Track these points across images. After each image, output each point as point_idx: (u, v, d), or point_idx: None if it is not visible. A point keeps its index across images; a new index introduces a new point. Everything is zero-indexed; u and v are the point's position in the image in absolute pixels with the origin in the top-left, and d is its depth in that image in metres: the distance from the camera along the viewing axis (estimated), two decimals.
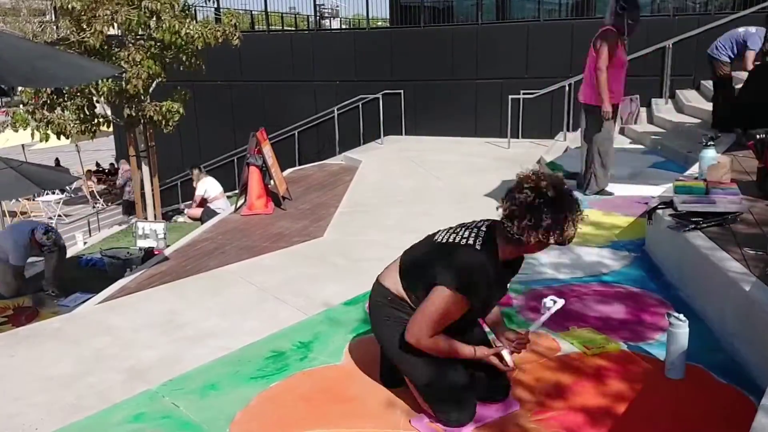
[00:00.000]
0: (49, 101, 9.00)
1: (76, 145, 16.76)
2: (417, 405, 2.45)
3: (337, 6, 26.90)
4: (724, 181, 4.24)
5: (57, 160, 17.11)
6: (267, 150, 7.71)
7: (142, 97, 9.15)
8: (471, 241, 2.29)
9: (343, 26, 22.04)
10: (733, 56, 6.98)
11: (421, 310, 2.28)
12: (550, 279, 3.82)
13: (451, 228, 2.44)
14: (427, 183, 8.15)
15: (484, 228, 2.34)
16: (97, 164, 18.56)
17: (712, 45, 7.24)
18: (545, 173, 2.28)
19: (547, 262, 4.09)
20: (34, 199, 15.11)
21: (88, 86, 8.85)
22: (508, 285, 2.54)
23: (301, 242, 5.74)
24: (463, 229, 2.38)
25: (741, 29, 7.01)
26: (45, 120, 8.89)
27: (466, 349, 2.34)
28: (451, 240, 2.34)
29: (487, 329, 2.64)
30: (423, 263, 2.38)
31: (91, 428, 2.55)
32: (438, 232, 2.47)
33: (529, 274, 3.84)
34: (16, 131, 9.60)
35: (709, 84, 9.57)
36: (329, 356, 3.01)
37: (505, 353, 2.36)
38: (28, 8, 26.37)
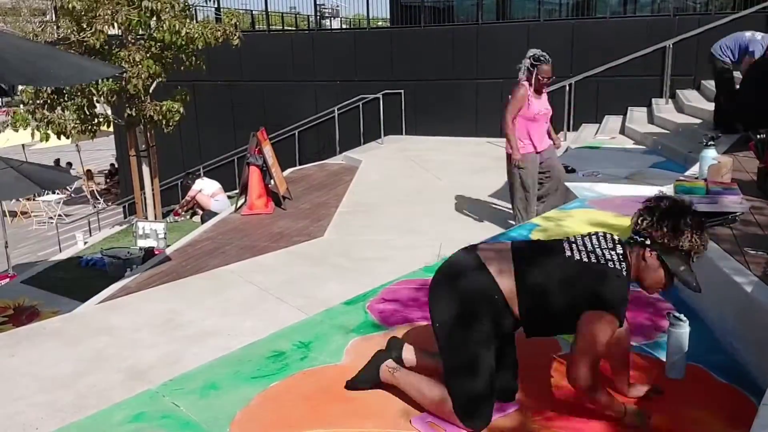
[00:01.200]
0: (49, 101, 9.01)
1: (77, 145, 16.76)
2: (417, 404, 2.45)
3: (338, 6, 26.92)
4: (725, 181, 4.24)
5: (57, 160, 17.10)
6: (267, 150, 7.71)
7: (143, 97, 9.15)
8: (616, 265, 2.22)
9: (344, 26, 22.05)
10: (733, 60, 6.95)
11: (584, 348, 2.19)
12: None
13: (578, 241, 2.34)
14: (427, 183, 8.15)
15: (619, 248, 2.27)
16: (111, 166, 18.39)
17: (716, 43, 7.20)
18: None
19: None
20: (34, 199, 15.13)
21: (89, 86, 8.86)
22: None
23: (301, 242, 5.74)
24: (597, 248, 2.28)
25: (748, 33, 6.96)
26: (45, 120, 8.89)
27: (614, 404, 2.27)
28: (596, 261, 2.24)
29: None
30: (569, 281, 2.24)
31: (91, 428, 2.55)
32: (561, 243, 2.36)
33: None
34: (17, 131, 9.60)
35: (709, 84, 9.58)
36: (329, 356, 3.01)
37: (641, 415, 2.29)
38: (28, 8, 26.36)
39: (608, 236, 2.33)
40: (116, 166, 16.41)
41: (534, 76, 5.75)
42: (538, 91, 5.79)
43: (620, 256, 2.24)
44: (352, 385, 2.62)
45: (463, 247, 2.47)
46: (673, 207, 2.22)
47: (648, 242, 2.21)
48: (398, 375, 2.49)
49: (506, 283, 2.27)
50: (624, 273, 2.21)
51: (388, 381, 2.53)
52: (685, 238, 2.15)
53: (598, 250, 2.26)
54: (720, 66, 7.06)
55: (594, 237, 2.33)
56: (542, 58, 5.80)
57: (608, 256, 2.23)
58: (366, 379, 2.58)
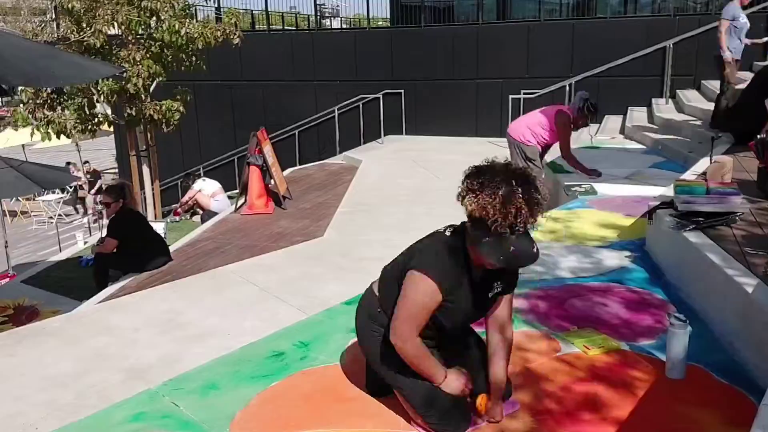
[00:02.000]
0: (49, 101, 9.01)
1: (77, 145, 16.75)
2: None
3: (338, 6, 26.91)
4: (725, 181, 4.24)
5: (68, 163, 17.02)
6: (267, 150, 7.71)
7: (143, 97, 9.16)
8: (442, 228, 2.22)
9: (344, 26, 22.05)
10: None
11: (398, 306, 2.16)
12: (549, 279, 3.81)
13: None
14: (427, 183, 8.15)
15: (453, 226, 2.22)
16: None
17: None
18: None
19: (546, 261, 4.09)
20: (34, 199, 15.13)
21: (89, 86, 8.86)
22: (494, 298, 2.27)
23: (301, 242, 5.74)
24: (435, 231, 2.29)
25: None
26: (45, 119, 8.90)
27: (437, 372, 2.20)
28: (427, 235, 2.28)
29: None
30: (393, 265, 2.32)
31: (91, 428, 2.55)
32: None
33: (528, 274, 3.84)
34: (17, 130, 9.61)
35: (709, 84, 9.59)
36: (329, 356, 3.01)
37: (482, 398, 2.24)
38: (28, 8, 26.34)
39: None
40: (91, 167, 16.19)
41: (581, 119, 5.92)
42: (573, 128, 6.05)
43: (450, 229, 2.20)
44: (369, 387, 2.62)
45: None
46: (476, 169, 2.05)
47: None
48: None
49: (382, 291, 2.35)
50: (447, 233, 2.17)
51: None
52: (467, 204, 2.00)
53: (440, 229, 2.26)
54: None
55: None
56: (595, 109, 5.97)
57: (436, 231, 2.24)
58: (374, 379, 2.57)
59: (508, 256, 1.96)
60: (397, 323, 2.16)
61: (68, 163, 17.58)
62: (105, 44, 8.90)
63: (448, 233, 2.18)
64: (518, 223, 1.92)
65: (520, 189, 1.91)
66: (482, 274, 2.14)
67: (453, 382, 2.23)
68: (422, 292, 2.11)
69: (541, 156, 6.12)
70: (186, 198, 10.12)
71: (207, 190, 9.80)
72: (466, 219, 2.08)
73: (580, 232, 4.66)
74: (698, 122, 8.23)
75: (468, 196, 1.95)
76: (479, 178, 1.96)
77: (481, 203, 1.91)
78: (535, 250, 2.00)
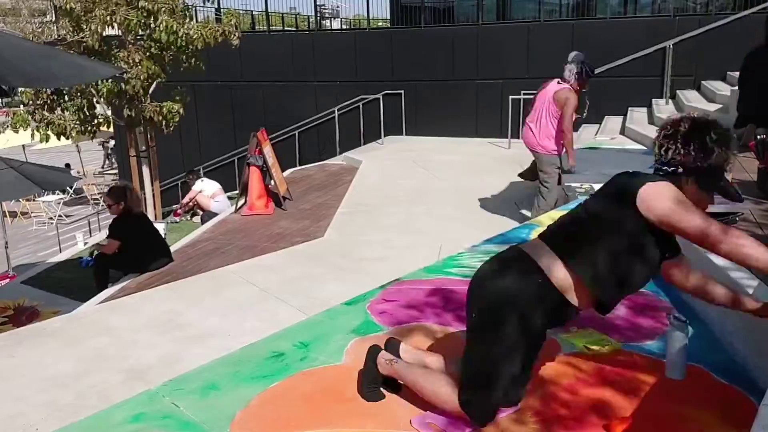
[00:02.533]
0: (49, 102, 9.01)
1: (77, 146, 16.76)
2: (417, 404, 2.45)
3: (338, 6, 26.92)
4: None
5: (67, 165, 17.03)
6: (267, 150, 7.72)
7: (142, 98, 9.16)
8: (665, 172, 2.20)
9: (344, 26, 22.05)
10: None
11: (680, 219, 2.09)
12: None
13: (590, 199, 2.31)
14: (427, 183, 8.15)
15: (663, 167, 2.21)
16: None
17: None
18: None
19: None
20: (34, 200, 15.13)
21: (89, 87, 8.86)
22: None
23: (301, 242, 5.74)
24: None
25: None
26: (45, 120, 8.90)
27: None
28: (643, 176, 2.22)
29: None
30: (605, 225, 2.14)
31: (91, 428, 2.55)
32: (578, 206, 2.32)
33: None
34: (17, 132, 9.61)
35: (709, 84, 9.58)
36: (329, 356, 3.01)
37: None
38: (28, 8, 26.37)
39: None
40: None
41: (583, 83, 5.72)
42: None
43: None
44: (363, 392, 2.58)
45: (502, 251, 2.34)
46: (694, 126, 2.11)
47: (680, 170, 2.12)
48: (397, 366, 2.48)
49: (561, 273, 2.11)
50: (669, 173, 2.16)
51: (388, 373, 2.51)
52: (716, 155, 2.07)
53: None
54: None
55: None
56: (594, 70, 5.74)
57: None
58: (370, 379, 2.57)
59: (729, 189, 2.21)
60: (711, 238, 2.15)
61: (67, 165, 17.61)
62: (102, 45, 8.89)
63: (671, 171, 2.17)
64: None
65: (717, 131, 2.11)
66: None
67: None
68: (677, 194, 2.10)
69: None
70: (186, 199, 10.12)
71: (207, 190, 9.81)
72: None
73: None
74: None
75: (717, 151, 2.07)
76: (717, 130, 2.09)
77: (728, 152, 2.11)
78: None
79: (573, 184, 5.99)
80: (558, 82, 5.78)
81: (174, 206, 11.80)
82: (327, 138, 12.38)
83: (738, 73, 6.39)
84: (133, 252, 5.52)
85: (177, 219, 10.06)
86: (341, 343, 3.13)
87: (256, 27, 15.81)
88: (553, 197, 5.77)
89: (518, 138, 10.69)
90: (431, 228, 5.94)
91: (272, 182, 7.70)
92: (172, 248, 6.27)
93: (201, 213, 9.65)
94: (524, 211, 6.37)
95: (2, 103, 24.09)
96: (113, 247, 5.59)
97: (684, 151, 2.09)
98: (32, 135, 9.07)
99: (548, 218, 5.11)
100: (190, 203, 9.96)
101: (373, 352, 2.58)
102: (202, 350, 3.24)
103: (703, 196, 2.15)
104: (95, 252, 6.17)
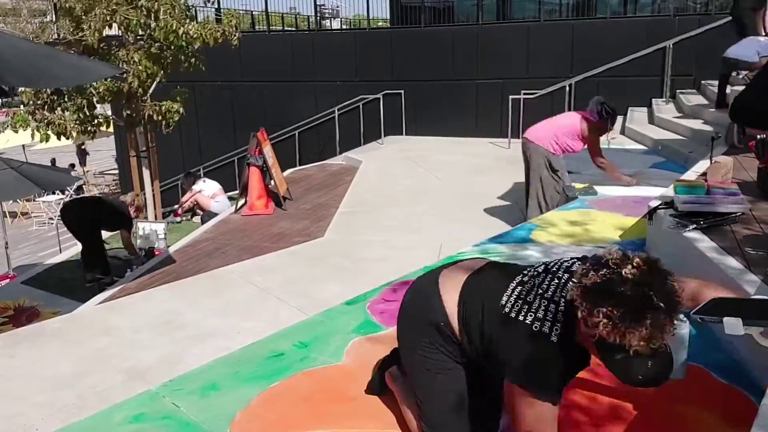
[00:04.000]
0: (49, 102, 9.01)
1: (77, 145, 16.76)
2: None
3: (338, 6, 26.91)
4: (725, 181, 4.24)
5: (53, 160, 17.06)
6: (267, 150, 7.72)
7: (142, 98, 9.15)
8: (545, 327, 1.78)
9: (344, 26, 22.04)
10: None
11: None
12: None
13: (523, 284, 1.92)
14: (427, 183, 8.15)
15: (563, 304, 1.79)
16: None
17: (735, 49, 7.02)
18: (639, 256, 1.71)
19: (546, 261, 4.08)
20: (34, 200, 15.13)
21: (89, 87, 8.86)
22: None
23: (301, 242, 5.74)
24: (538, 297, 1.85)
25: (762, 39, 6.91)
26: (45, 120, 8.89)
27: None
28: (522, 318, 1.83)
29: None
30: (488, 331, 1.92)
31: (92, 428, 2.55)
32: (503, 280, 1.97)
33: None
34: (17, 132, 9.61)
35: (709, 84, 9.57)
36: (329, 356, 3.01)
37: None
38: (28, 8, 26.35)
39: (560, 289, 1.82)
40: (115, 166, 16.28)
41: (603, 124, 5.71)
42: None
43: (559, 319, 1.78)
44: (370, 391, 2.60)
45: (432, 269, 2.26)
46: (600, 283, 1.61)
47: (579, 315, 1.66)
48: (397, 384, 2.45)
49: (452, 302, 2.02)
50: (554, 338, 1.76)
51: (390, 387, 2.51)
52: (602, 330, 1.58)
53: (536, 302, 1.83)
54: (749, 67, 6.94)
55: (545, 287, 1.87)
56: (612, 111, 5.71)
57: (541, 316, 1.80)
58: (377, 386, 2.57)
59: (646, 377, 1.68)
60: None
61: (72, 165, 17.62)
62: (103, 44, 8.88)
63: (554, 337, 1.77)
64: (662, 343, 1.66)
65: (664, 311, 1.59)
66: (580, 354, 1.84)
67: None
68: (547, 418, 1.82)
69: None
70: (185, 198, 10.12)
71: (207, 190, 9.81)
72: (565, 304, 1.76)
73: (580, 232, 4.66)
74: (699, 122, 8.22)
75: (604, 324, 1.57)
76: (620, 304, 1.57)
77: (625, 339, 1.58)
78: (671, 363, 1.77)
79: (573, 185, 5.99)
80: (588, 114, 5.76)
81: (175, 206, 11.80)
82: (327, 138, 12.38)
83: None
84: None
85: (177, 219, 10.06)
86: (341, 343, 3.13)
87: (256, 27, 15.81)
88: (557, 197, 5.84)
89: (518, 138, 10.71)
90: (431, 228, 5.94)
91: (272, 182, 7.70)
92: (172, 248, 6.28)
93: (201, 213, 9.66)
94: (525, 210, 6.36)
95: (2, 103, 24.09)
96: None
97: (584, 306, 1.64)
98: (32, 135, 9.07)
99: (544, 220, 5.11)
100: (190, 203, 9.96)
101: (383, 366, 2.57)
102: (202, 350, 3.24)
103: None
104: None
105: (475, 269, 2.10)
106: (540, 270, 1.95)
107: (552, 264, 1.96)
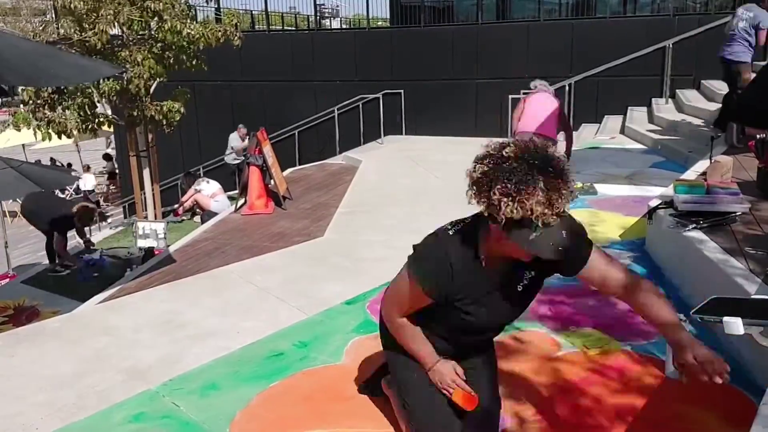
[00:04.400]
0: (49, 101, 9.01)
1: (77, 145, 16.75)
2: None
3: (338, 6, 26.90)
4: (725, 181, 4.24)
5: (51, 159, 17.04)
6: (267, 150, 7.71)
7: (144, 98, 9.15)
8: (449, 226, 1.97)
9: (344, 26, 22.03)
10: (752, 49, 6.54)
11: (389, 287, 2.13)
12: (548, 279, 3.81)
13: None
14: (427, 183, 8.15)
15: (470, 217, 1.94)
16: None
17: (725, 48, 6.79)
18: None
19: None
20: None
21: (90, 86, 8.86)
22: (528, 290, 2.02)
23: (301, 242, 5.73)
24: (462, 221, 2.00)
25: (741, 15, 6.55)
26: (46, 119, 8.89)
27: (426, 356, 2.07)
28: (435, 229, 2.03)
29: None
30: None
31: (92, 428, 2.55)
32: None
33: None
34: (19, 131, 9.61)
35: (709, 84, 9.57)
36: (329, 356, 3.01)
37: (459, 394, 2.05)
38: (28, 8, 26.34)
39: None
40: (111, 157, 16.21)
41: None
42: None
43: (461, 222, 1.95)
44: (364, 390, 2.61)
45: None
46: (488, 170, 1.70)
47: (485, 213, 1.74)
48: (393, 390, 2.43)
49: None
50: (451, 232, 1.93)
51: (386, 393, 2.51)
52: (505, 210, 1.64)
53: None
54: (743, 70, 6.73)
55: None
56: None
57: (449, 225, 1.98)
58: (374, 387, 2.57)
59: (563, 242, 1.68)
60: (384, 302, 2.14)
61: (69, 165, 17.61)
62: (107, 44, 8.89)
63: (451, 231, 1.95)
64: (562, 208, 1.67)
65: (553, 173, 1.65)
66: (504, 268, 1.92)
67: (443, 370, 2.07)
68: (406, 286, 1.99)
69: None
70: (186, 197, 10.11)
71: (207, 190, 9.80)
72: (478, 213, 1.81)
73: None
74: (698, 122, 8.23)
75: (504, 201, 1.63)
76: (510, 177, 1.64)
77: (526, 206, 1.62)
78: (578, 223, 1.83)
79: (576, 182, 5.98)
80: (549, 94, 6.29)
81: (175, 206, 11.80)
82: (327, 137, 12.37)
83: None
84: None
85: (178, 219, 10.07)
86: (341, 343, 3.13)
87: (256, 27, 15.80)
88: None
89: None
90: (431, 228, 5.91)
91: (272, 182, 7.70)
92: (172, 248, 6.28)
93: (201, 213, 9.65)
94: None
95: (2, 102, 24.07)
96: None
97: (475, 195, 1.74)
98: (34, 133, 9.07)
99: None
100: (190, 202, 9.96)
101: (382, 371, 2.54)
102: (202, 350, 3.24)
103: (512, 246, 1.73)
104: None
105: None
106: None
107: None
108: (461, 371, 2.11)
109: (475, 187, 1.72)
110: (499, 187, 1.64)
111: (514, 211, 1.62)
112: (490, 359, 2.27)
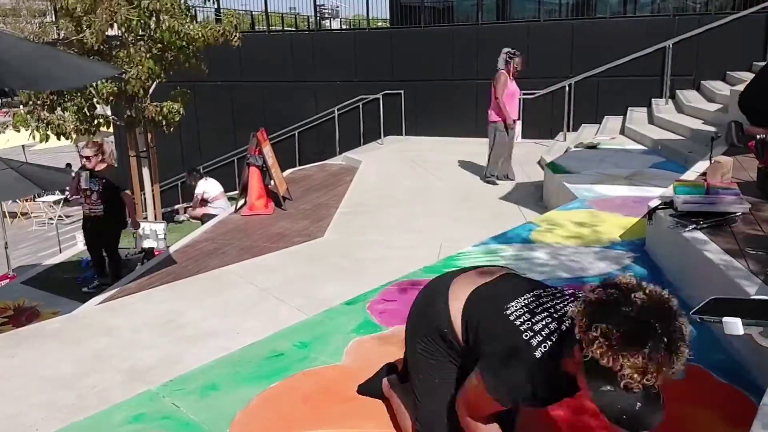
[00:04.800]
0: (48, 102, 9.00)
1: (77, 146, 16.71)
2: None
3: (337, 6, 26.89)
4: (725, 181, 4.24)
5: (68, 165, 16.96)
6: (267, 150, 7.71)
7: (142, 98, 9.15)
8: (535, 340, 1.72)
9: (343, 26, 22.03)
10: None
11: (462, 388, 1.95)
12: (549, 279, 3.81)
13: (538, 297, 1.86)
14: (427, 183, 8.15)
15: (565, 326, 1.70)
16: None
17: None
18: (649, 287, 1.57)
19: (546, 262, 4.09)
20: (34, 200, 15.13)
21: (88, 87, 8.85)
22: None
23: (301, 242, 5.74)
24: (544, 313, 1.79)
25: None
26: (45, 120, 8.89)
27: None
28: (519, 324, 1.78)
29: None
30: (484, 332, 1.90)
31: (91, 428, 2.55)
32: (518, 290, 1.92)
33: (528, 274, 3.84)
34: (18, 131, 9.60)
35: (708, 84, 9.58)
36: (329, 356, 3.01)
37: None
38: (28, 9, 26.33)
39: (566, 310, 1.73)
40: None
41: (511, 66, 7.72)
42: (513, 77, 7.80)
43: (553, 337, 1.72)
44: (362, 390, 2.61)
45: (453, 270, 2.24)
46: (604, 301, 1.53)
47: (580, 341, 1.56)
48: (395, 391, 2.45)
49: (455, 313, 1.99)
50: (537, 354, 1.71)
51: (386, 395, 2.51)
52: (595, 351, 1.48)
53: (540, 313, 1.78)
54: None
55: (568, 300, 1.81)
56: (516, 53, 7.77)
57: (538, 328, 1.74)
58: (373, 388, 2.57)
59: (631, 416, 1.51)
60: (458, 403, 1.97)
61: (68, 165, 17.56)
62: (104, 45, 8.88)
63: (539, 352, 1.71)
64: (654, 383, 1.50)
65: (665, 347, 1.47)
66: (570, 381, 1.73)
67: None
68: (482, 397, 1.84)
69: (508, 128, 7.87)
70: (196, 208, 9.95)
71: (210, 191, 9.80)
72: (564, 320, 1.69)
73: (580, 232, 4.66)
74: (698, 122, 8.23)
75: (599, 344, 1.48)
76: (620, 325, 1.47)
77: (618, 363, 1.46)
78: (660, 412, 1.58)
79: (576, 186, 5.99)
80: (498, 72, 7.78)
81: (176, 206, 11.81)
82: (327, 138, 12.37)
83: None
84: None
85: (182, 218, 10.06)
86: (341, 343, 3.13)
87: (256, 27, 15.80)
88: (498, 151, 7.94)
89: (517, 138, 10.71)
90: (431, 228, 5.94)
91: (272, 182, 7.70)
92: (172, 248, 6.28)
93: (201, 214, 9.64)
94: (524, 210, 6.37)
95: (1, 103, 24.07)
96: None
97: (586, 329, 1.53)
98: (32, 135, 9.07)
99: (543, 220, 5.11)
100: (199, 211, 9.83)
101: (382, 371, 2.57)
102: (202, 350, 3.24)
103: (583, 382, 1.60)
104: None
105: (492, 278, 2.03)
106: (563, 291, 1.89)
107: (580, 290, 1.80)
108: None
109: (584, 308, 1.55)
110: (603, 326, 1.47)
111: (604, 358, 1.47)
112: None
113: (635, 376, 1.45)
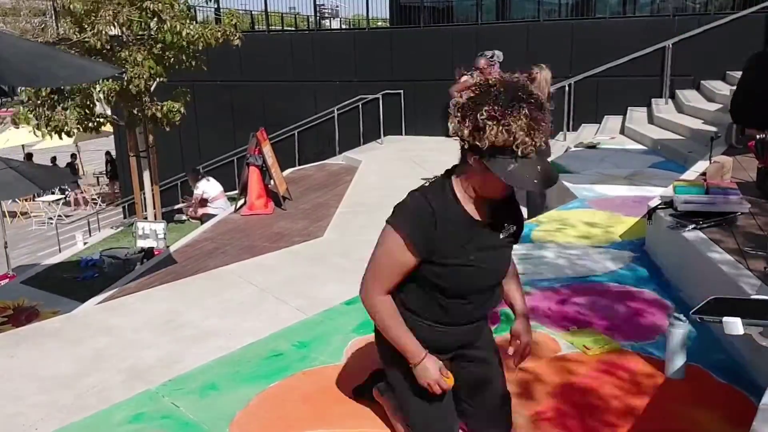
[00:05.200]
0: (49, 100, 9.00)
1: (77, 145, 16.75)
2: None
3: (337, 6, 26.89)
4: (725, 181, 4.24)
5: (53, 158, 17.01)
6: (267, 150, 7.71)
7: (143, 98, 9.15)
8: (422, 184, 2.02)
9: (343, 26, 22.03)
10: None
11: (370, 257, 2.01)
12: (549, 279, 3.82)
13: None
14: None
15: (442, 173, 2.01)
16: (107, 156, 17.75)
17: None
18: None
19: (546, 261, 4.09)
20: (33, 200, 15.13)
21: (89, 86, 8.85)
22: (509, 243, 2.04)
23: (301, 242, 5.74)
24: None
25: None
26: (45, 118, 8.88)
27: (413, 348, 1.95)
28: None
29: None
30: None
31: (91, 428, 2.55)
32: None
33: (528, 273, 3.84)
34: (18, 127, 9.60)
35: (708, 84, 9.58)
36: (329, 356, 3.01)
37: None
38: (28, 8, 26.34)
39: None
40: (113, 156, 16.15)
41: (485, 67, 7.82)
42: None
43: (433, 177, 2.01)
44: (358, 392, 2.60)
45: None
46: (475, 96, 1.76)
47: (465, 145, 1.80)
48: (385, 398, 2.42)
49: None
50: (421, 187, 1.97)
51: (378, 400, 2.49)
52: (489, 134, 1.69)
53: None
54: None
55: None
56: (482, 54, 8.08)
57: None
58: (364, 395, 2.57)
59: (543, 176, 1.74)
60: (365, 276, 2.02)
61: (72, 156, 17.56)
62: (106, 45, 8.88)
63: (427, 184, 2.00)
64: (541, 142, 1.73)
65: (534, 105, 1.71)
66: (488, 215, 1.93)
67: (429, 368, 1.95)
68: (392, 241, 1.93)
69: None
70: (197, 210, 9.95)
71: (210, 192, 9.78)
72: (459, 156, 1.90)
73: (580, 231, 4.67)
74: (698, 122, 8.23)
75: (490, 125, 1.69)
76: (497, 101, 1.70)
77: (511, 129, 1.68)
78: (552, 167, 1.84)
79: (576, 185, 5.99)
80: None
81: (176, 206, 11.80)
82: (326, 138, 12.38)
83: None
84: None
85: (183, 218, 10.07)
86: (341, 343, 3.13)
87: (256, 27, 15.80)
88: None
89: None
90: None
91: (272, 182, 7.70)
92: (172, 248, 6.28)
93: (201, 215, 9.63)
94: (524, 209, 6.36)
95: (1, 102, 24.09)
96: None
97: (460, 124, 1.78)
98: (33, 132, 9.06)
99: (543, 220, 5.11)
100: (199, 211, 9.83)
101: (376, 376, 2.52)
102: (202, 350, 3.24)
103: (490, 179, 1.79)
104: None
105: None
106: None
107: None
108: (447, 373, 2.02)
109: (460, 112, 1.77)
110: (486, 108, 1.69)
111: (499, 134, 1.68)
112: (494, 349, 2.22)
113: (526, 139, 1.69)
